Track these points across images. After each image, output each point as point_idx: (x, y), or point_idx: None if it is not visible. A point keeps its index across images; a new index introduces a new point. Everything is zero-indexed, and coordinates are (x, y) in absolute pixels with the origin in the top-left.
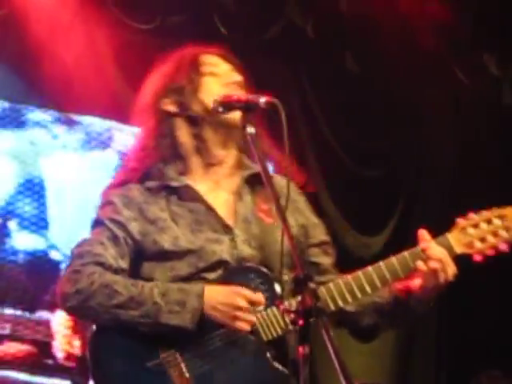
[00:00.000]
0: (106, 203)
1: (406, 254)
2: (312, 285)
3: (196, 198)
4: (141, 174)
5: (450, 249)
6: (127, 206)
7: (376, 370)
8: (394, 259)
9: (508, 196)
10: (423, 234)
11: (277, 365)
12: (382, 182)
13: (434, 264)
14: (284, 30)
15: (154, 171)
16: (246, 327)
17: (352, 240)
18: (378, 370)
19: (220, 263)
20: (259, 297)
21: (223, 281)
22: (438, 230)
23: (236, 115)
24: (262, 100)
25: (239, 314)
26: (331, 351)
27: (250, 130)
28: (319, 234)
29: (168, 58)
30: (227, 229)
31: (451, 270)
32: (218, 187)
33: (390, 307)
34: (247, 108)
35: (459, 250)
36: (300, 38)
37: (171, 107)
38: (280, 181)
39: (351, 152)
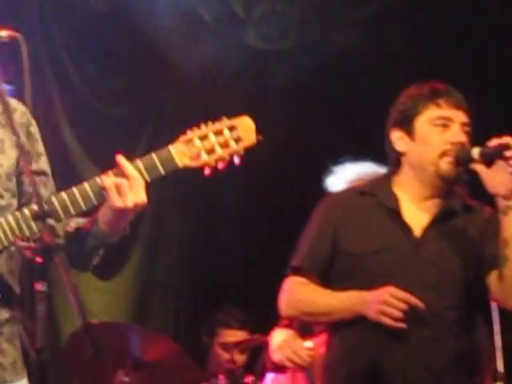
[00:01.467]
0: None
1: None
2: (51, 221)
3: None
4: None
5: (171, 161)
6: None
7: (115, 308)
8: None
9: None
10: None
11: None
12: (126, 119)
13: (117, 180)
14: None
15: None
16: None
17: (92, 176)
18: (117, 307)
19: None
20: None
21: None
22: None
23: None
24: (3, 34)
25: None
26: (68, 288)
27: None
28: (43, 162)
29: None
30: None
31: (136, 195)
32: None
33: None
34: None
35: (182, 162)
36: None
37: None
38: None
39: (94, 89)
